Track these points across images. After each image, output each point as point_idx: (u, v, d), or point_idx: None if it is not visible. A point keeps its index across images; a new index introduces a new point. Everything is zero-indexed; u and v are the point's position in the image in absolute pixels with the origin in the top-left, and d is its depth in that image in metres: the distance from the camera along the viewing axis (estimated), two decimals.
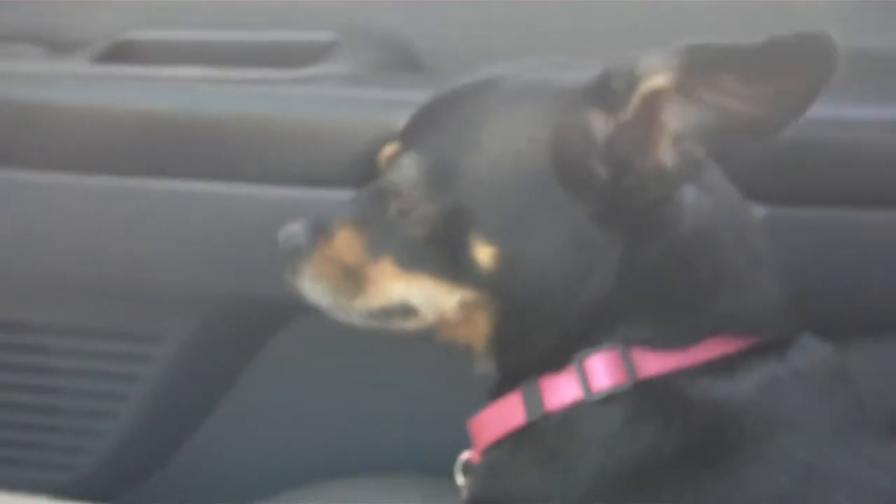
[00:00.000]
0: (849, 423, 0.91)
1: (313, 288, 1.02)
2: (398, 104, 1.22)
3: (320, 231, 1.02)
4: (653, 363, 0.90)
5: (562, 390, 0.92)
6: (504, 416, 0.96)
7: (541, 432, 0.94)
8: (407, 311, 1.00)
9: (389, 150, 1.01)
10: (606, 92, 0.88)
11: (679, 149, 0.86)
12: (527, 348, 0.96)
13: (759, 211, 1.18)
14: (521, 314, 0.94)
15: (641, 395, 0.90)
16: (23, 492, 1.67)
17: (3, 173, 1.52)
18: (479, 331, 0.99)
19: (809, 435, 0.88)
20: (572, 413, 0.92)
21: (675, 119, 0.85)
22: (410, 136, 0.99)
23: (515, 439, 0.95)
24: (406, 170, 0.96)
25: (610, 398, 0.90)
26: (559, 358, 0.93)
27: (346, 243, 1.01)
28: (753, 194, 1.02)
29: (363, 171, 1.17)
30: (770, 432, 0.88)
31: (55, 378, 1.66)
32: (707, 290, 0.91)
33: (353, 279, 1.01)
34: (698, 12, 1.40)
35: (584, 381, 0.91)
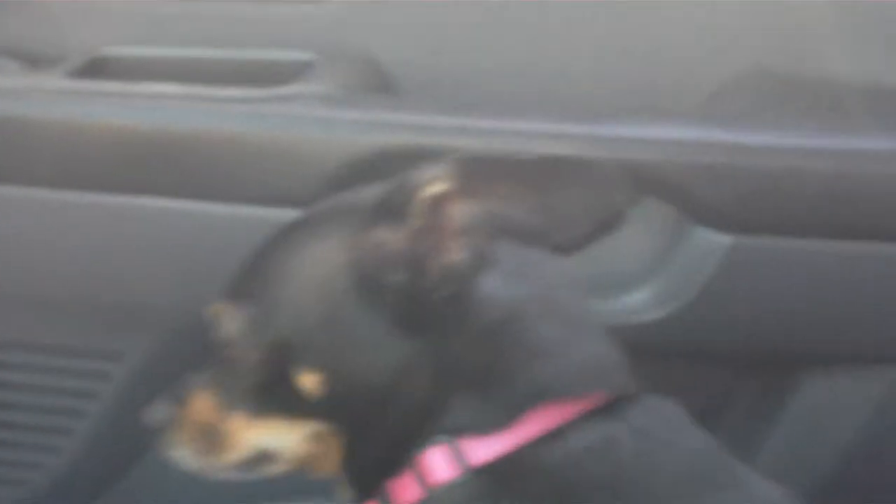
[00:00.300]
0: (689, 475, 0.93)
1: (181, 455, 1.08)
2: (372, 125, 1.23)
3: (177, 400, 1.08)
4: (481, 448, 0.93)
5: (405, 490, 0.95)
6: None
7: None
8: (265, 457, 1.04)
9: (214, 308, 1.04)
10: (392, 205, 0.93)
11: (466, 245, 0.91)
12: (371, 460, 0.99)
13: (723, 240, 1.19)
14: (359, 430, 0.98)
15: (478, 481, 0.92)
16: None
17: None
18: (333, 457, 1.02)
19: (645, 490, 0.91)
20: None
21: (458, 218, 0.91)
22: (233, 291, 1.03)
23: None
24: (230, 322, 1.00)
25: (450, 490, 0.93)
26: (401, 461, 0.96)
27: (199, 405, 1.06)
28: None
29: (336, 191, 1.17)
30: (601, 490, 0.91)
31: (10, 393, 1.64)
32: (517, 368, 0.94)
33: (211, 437, 1.05)
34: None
35: (421, 478, 0.94)
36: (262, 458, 1.05)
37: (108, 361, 1.57)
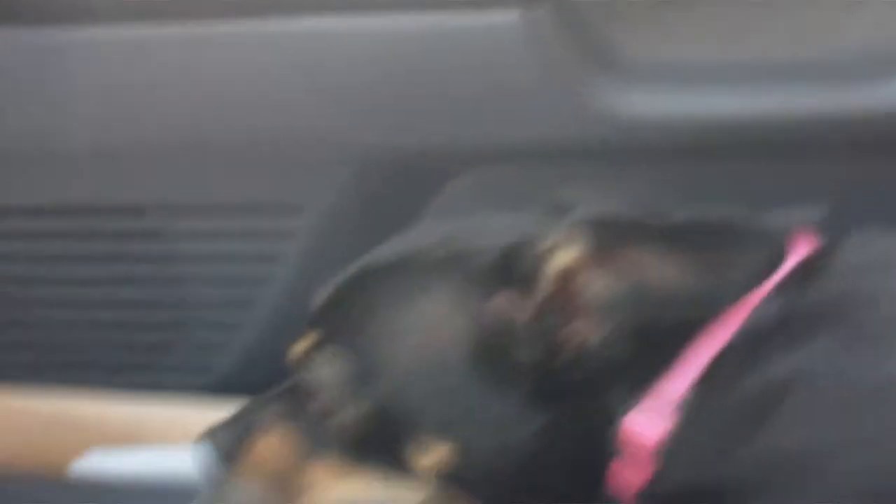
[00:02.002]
0: None
1: (243, 500, 0.94)
2: None
3: (245, 433, 0.95)
4: (677, 382, 0.84)
5: (625, 481, 0.85)
6: None
7: None
8: None
9: (305, 342, 0.94)
10: (516, 271, 0.85)
11: (603, 323, 0.82)
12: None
13: None
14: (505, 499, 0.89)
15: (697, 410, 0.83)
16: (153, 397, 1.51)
17: (104, 29, 1.36)
18: None
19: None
20: None
21: (592, 295, 0.82)
22: (327, 326, 0.93)
23: None
24: (325, 368, 0.91)
25: (674, 444, 0.83)
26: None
27: (273, 447, 0.94)
28: None
29: None
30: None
31: (182, 266, 1.49)
32: None
33: (284, 486, 0.93)
34: None
35: (634, 459, 0.84)
36: None
37: (288, 217, 1.42)
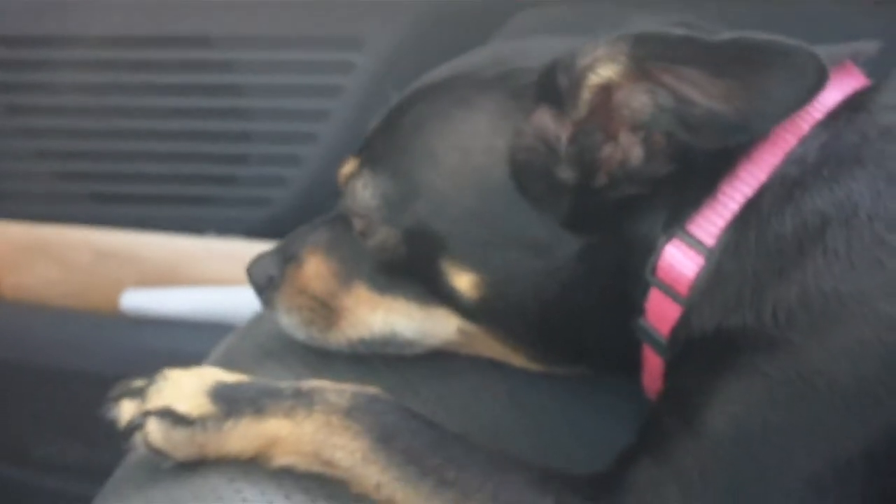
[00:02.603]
0: None
1: (288, 322, 0.94)
2: None
3: (290, 259, 0.94)
4: (712, 218, 0.81)
5: (660, 316, 0.83)
6: None
7: None
8: (393, 341, 0.92)
9: (348, 167, 0.92)
10: (555, 87, 0.81)
11: (646, 141, 0.79)
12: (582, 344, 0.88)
13: None
14: (527, 332, 0.88)
15: (732, 248, 0.80)
16: (215, 232, 1.54)
17: None
18: (486, 348, 0.91)
19: None
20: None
21: (634, 109, 0.78)
22: (368, 152, 0.91)
23: None
24: (362, 191, 0.89)
25: (709, 280, 0.80)
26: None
27: (315, 271, 0.93)
28: None
29: None
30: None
31: (246, 99, 1.49)
32: None
33: (326, 309, 0.93)
34: None
35: (670, 291, 0.82)
36: (388, 341, 0.92)
37: (349, 51, 1.41)
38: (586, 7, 1.32)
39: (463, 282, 0.86)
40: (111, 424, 0.81)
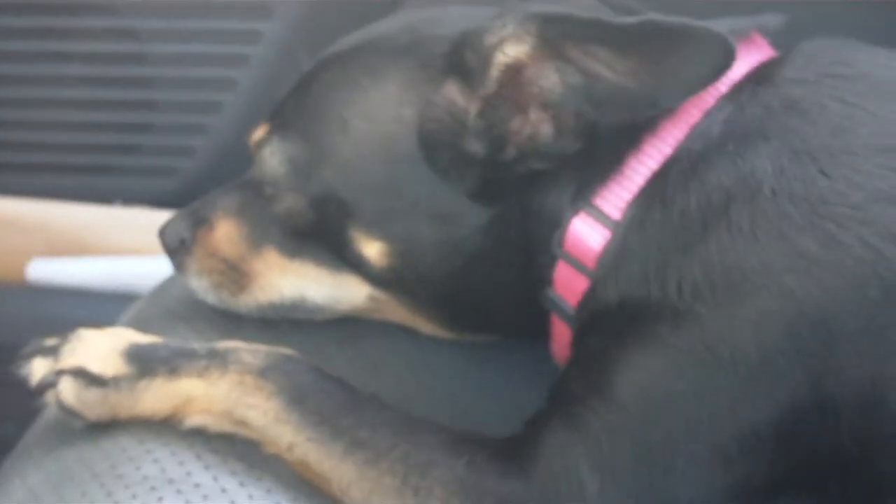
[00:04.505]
0: None
1: (198, 285, 0.95)
2: None
3: (201, 223, 0.95)
4: (617, 192, 0.84)
5: (568, 287, 0.85)
6: None
7: None
8: (301, 306, 0.93)
9: (258, 133, 0.93)
10: (464, 62, 0.83)
11: (555, 119, 0.81)
12: (486, 311, 0.91)
13: None
14: (434, 298, 0.89)
15: (641, 219, 0.82)
16: (120, 202, 1.52)
17: None
18: (392, 314, 0.93)
19: None
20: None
21: (543, 88, 0.80)
22: (278, 118, 0.92)
23: None
24: (270, 157, 0.90)
25: (617, 252, 0.82)
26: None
27: (226, 235, 0.94)
28: None
29: None
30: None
31: (152, 67, 1.48)
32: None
33: (237, 273, 0.93)
34: None
35: (576, 263, 0.84)
36: (297, 306, 0.93)
37: (258, 20, 1.40)
38: None
39: (371, 250, 0.87)
40: (22, 382, 0.81)
